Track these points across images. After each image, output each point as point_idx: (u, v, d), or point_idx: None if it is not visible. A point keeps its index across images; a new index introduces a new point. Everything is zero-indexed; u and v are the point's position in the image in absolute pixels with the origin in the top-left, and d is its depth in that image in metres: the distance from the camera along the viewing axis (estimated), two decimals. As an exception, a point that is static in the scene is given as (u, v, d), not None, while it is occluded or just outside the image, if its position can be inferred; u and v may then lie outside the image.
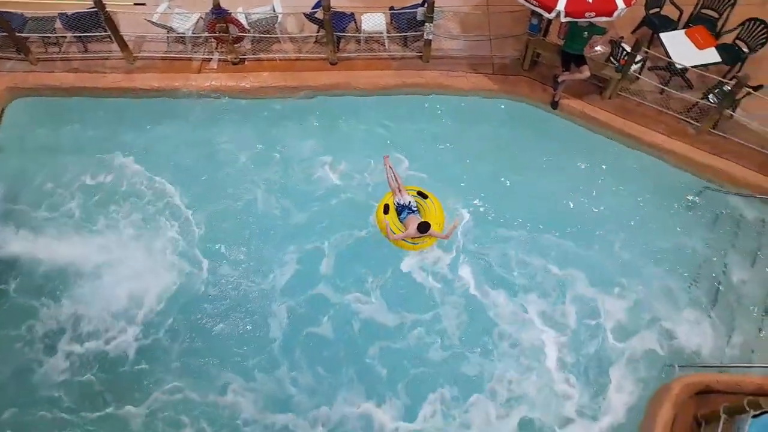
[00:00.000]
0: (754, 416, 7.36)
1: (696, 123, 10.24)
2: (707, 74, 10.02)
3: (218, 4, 10.36)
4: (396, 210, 8.86)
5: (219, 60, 11.32)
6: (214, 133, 11.03)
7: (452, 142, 10.86)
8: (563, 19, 9.14)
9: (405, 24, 11.05)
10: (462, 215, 10.00)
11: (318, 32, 11.26)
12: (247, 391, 9.02)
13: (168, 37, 11.31)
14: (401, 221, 8.77)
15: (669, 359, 8.97)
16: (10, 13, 10.87)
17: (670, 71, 10.41)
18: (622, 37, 10.29)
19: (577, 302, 9.47)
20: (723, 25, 10.59)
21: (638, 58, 10.05)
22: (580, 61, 9.92)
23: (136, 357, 9.24)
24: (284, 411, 8.90)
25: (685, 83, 10.49)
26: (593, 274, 9.63)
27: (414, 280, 9.67)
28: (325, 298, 9.60)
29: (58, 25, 11.06)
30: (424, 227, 8.36)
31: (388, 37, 11.21)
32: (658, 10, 10.83)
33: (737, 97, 9.59)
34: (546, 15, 9.25)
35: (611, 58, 10.44)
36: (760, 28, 10.00)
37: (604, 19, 9.14)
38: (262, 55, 11.33)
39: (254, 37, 11.23)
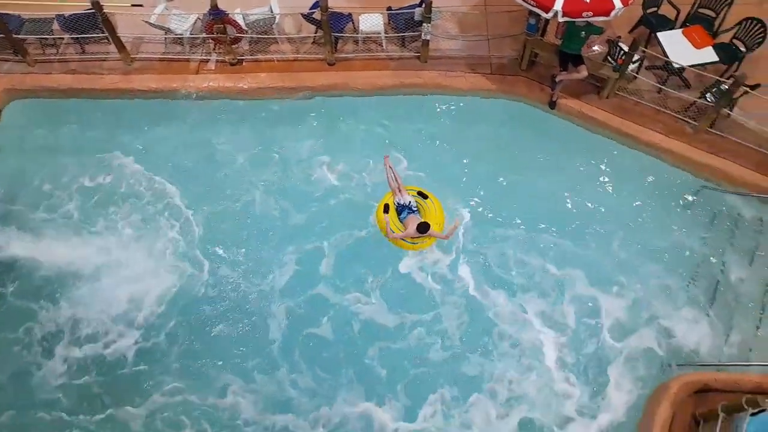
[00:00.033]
0: (753, 414, 7.38)
1: (693, 122, 10.26)
2: (705, 73, 10.03)
3: (216, 5, 10.35)
4: (396, 210, 8.86)
5: (217, 61, 11.31)
6: (213, 134, 11.02)
7: (451, 142, 10.87)
8: (560, 19, 9.17)
9: (403, 24, 11.03)
10: (461, 215, 10.01)
11: (316, 33, 11.24)
12: (247, 392, 9.02)
13: (165, 38, 11.29)
14: (401, 221, 8.77)
15: (667, 358, 9.00)
16: (8, 14, 10.83)
17: (668, 70, 10.43)
18: (620, 37, 10.29)
19: (575, 302, 9.50)
20: (720, 25, 10.61)
21: (636, 57, 10.06)
22: (578, 60, 9.94)
23: (136, 358, 9.23)
24: (284, 412, 8.91)
25: (682, 82, 10.51)
26: (592, 273, 9.65)
27: (414, 280, 9.68)
28: (325, 299, 9.61)
29: (55, 26, 11.03)
30: (423, 227, 8.37)
31: (385, 37, 11.20)
32: (655, 9, 10.84)
33: (734, 96, 9.61)
34: (543, 15, 9.27)
35: (609, 58, 10.44)
36: (757, 28, 10.03)
37: (601, 18, 9.17)
38: (259, 56, 11.32)
39: (252, 37, 11.22)
